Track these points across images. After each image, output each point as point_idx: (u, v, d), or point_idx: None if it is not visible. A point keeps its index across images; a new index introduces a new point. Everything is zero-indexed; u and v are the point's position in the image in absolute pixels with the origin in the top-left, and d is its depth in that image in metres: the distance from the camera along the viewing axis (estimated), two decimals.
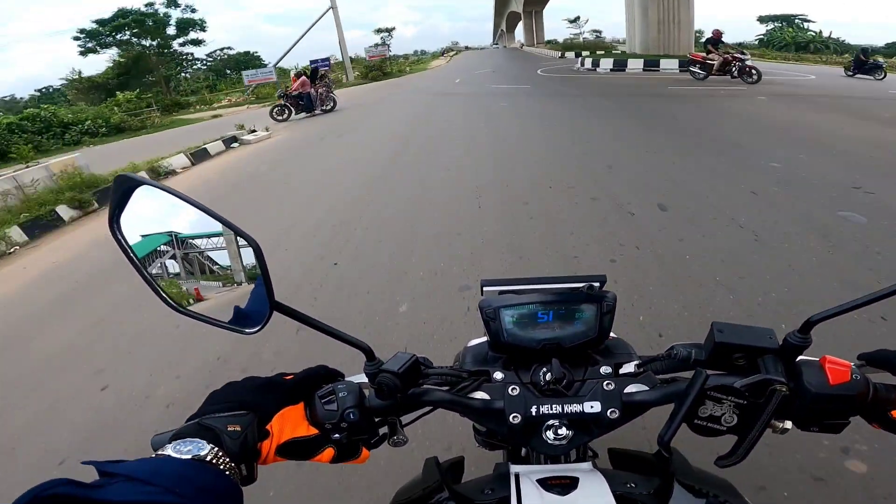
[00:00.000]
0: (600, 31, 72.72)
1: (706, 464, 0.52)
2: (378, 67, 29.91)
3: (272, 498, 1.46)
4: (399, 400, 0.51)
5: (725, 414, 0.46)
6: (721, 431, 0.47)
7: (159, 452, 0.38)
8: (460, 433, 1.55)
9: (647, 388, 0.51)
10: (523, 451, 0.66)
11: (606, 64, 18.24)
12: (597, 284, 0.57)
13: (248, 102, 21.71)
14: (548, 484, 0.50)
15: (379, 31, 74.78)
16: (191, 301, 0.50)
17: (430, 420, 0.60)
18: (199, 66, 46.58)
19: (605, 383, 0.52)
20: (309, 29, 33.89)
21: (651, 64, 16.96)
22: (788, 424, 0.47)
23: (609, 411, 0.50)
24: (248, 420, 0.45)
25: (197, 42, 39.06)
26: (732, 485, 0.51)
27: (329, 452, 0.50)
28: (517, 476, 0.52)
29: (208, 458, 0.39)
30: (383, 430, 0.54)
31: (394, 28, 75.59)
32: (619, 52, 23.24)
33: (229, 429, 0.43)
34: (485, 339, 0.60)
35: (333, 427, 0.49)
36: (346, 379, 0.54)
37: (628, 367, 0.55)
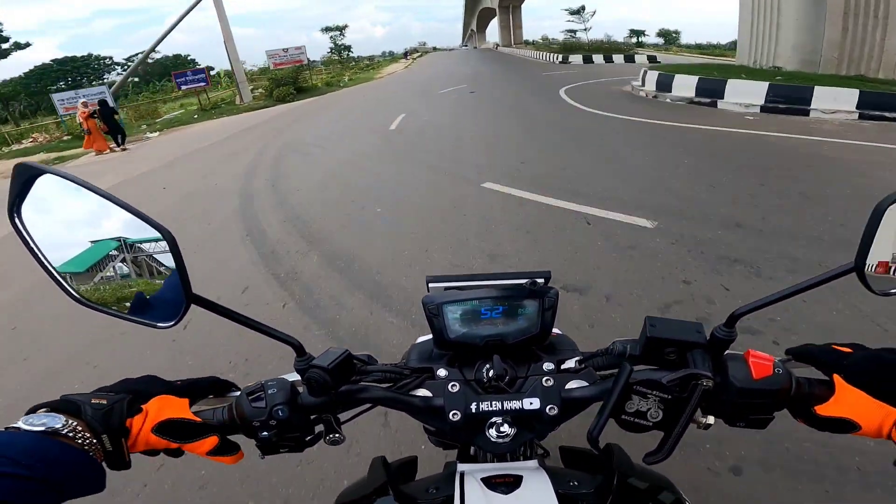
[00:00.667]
0: (574, 32, 65.96)
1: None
2: (292, 80, 20.90)
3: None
4: (333, 397, 0.52)
5: (651, 409, 0.48)
6: (647, 427, 0.49)
7: (10, 425, 0.39)
8: None
9: (586, 384, 0.53)
10: (472, 449, 0.67)
11: (742, 91, 8.36)
12: (541, 281, 0.59)
13: (53, 146, 14.15)
14: (492, 482, 0.51)
15: (327, 29, 65.09)
16: (100, 295, 0.47)
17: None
18: (119, 71, 41.41)
19: (544, 379, 0.54)
20: (180, 20, 21.51)
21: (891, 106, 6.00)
22: (711, 419, 0.49)
23: (548, 407, 0.52)
24: (118, 397, 0.46)
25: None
26: (671, 481, 0.54)
27: (211, 441, 0.50)
28: (462, 475, 0.53)
29: (63, 431, 0.40)
30: (320, 427, 0.54)
31: (346, 26, 64.49)
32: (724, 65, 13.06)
33: (93, 401, 0.44)
34: (431, 336, 0.61)
35: (262, 425, 0.50)
36: (279, 377, 0.53)
37: (570, 363, 0.57)
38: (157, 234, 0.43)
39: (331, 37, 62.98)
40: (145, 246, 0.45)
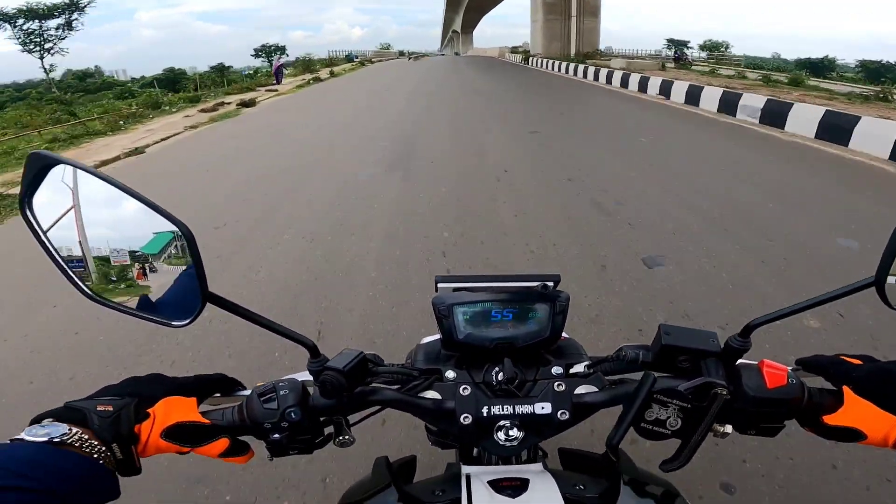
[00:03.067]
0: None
1: (651, 466, 0.55)
2: None
3: None
4: (345, 399, 0.53)
5: (670, 418, 0.50)
6: (666, 435, 0.51)
7: (13, 437, 0.40)
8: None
9: (596, 390, 0.55)
10: (475, 450, 0.70)
11: None
12: (551, 284, 0.60)
13: None
14: (499, 486, 0.52)
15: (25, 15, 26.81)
16: (113, 291, 0.47)
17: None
18: None
19: (555, 384, 0.55)
20: None
21: None
22: (729, 428, 0.51)
23: (559, 412, 0.53)
24: (124, 402, 0.46)
25: None
26: (676, 487, 0.55)
27: (222, 443, 0.51)
28: (468, 477, 0.55)
29: (69, 440, 0.40)
30: (329, 429, 0.56)
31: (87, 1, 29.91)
32: None
33: (99, 409, 0.44)
34: (437, 336, 0.63)
35: (273, 427, 0.51)
36: (289, 376, 0.55)
37: (578, 368, 0.58)
38: (175, 229, 0.43)
39: (34, 34, 28.82)
40: (162, 240, 0.45)
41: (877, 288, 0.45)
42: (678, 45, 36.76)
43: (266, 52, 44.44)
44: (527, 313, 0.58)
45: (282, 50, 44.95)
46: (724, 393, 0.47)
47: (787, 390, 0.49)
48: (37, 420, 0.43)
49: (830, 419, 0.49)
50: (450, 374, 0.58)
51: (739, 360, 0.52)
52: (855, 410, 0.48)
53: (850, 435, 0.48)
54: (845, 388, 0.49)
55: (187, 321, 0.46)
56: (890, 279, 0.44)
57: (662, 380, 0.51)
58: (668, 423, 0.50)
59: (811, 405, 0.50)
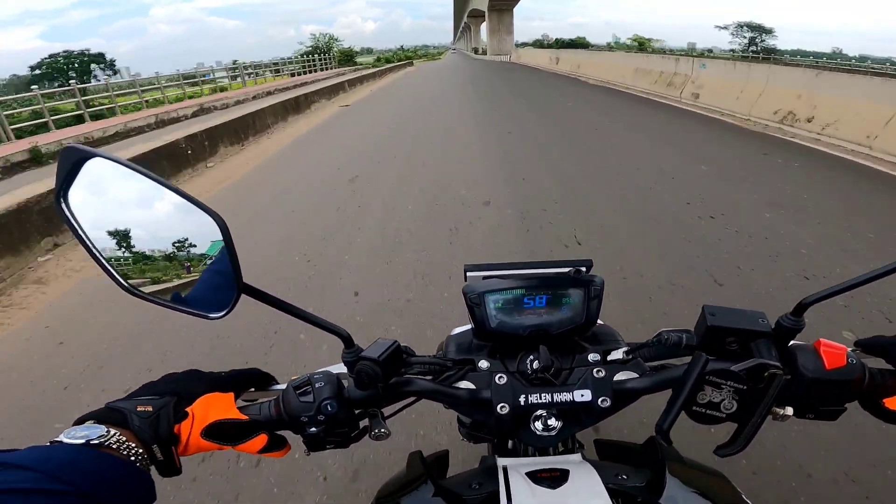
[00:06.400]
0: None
1: (697, 454, 0.56)
2: None
3: None
4: (380, 390, 0.54)
5: (725, 400, 0.49)
6: (720, 419, 0.50)
7: (53, 440, 0.40)
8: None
9: (637, 376, 0.55)
10: (510, 443, 0.67)
11: None
12: (584, 269, 0.60)
13: None
14: (537, 477, 0.52)
15: None
16: (148, 283, 0.47)
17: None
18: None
19: (595, 370, 0.55)
20: None
21: None
22: (789, 411, 0.50)
23: (600, 399, 0.53)
24: (163, 402, 0.47)
25: None
26: (724, 475, 0.54)
27: (261, 440, 0.52)
28: (505, 469, 0.54)
29: (107, 442, 0.41)
30: (364, 422, 0.56)
31: None
32: None
33: (139, 409, 0.45)
34: (469, 326, 0.63)
35: (309, 420, 0.51)
36: (324, 369, 0.56)
37: (617, 354, 0.58)
38: (210, 220, 0.44)
39: None
40: (197, 232, 0.46)
41: None
42: None
43: (59, 68, 24.75)
44: (560, 299, 0.58)
45: (104, 61, 26.23)
46: (783, 374, 0.46)
47: (846, 371, 0.47)
48: (79, 422, 0.43)
49: (891, 402, 0.48)
50: (483, 363, 0.58)
51: (792, 342, 0.50)
52: None
53: None
54: None
55: (223, 313, 0.46)
56: None
57: (713, 361, 0.49)
58: (723, 406, 0.48)
59: (872, 387, 0.49)
